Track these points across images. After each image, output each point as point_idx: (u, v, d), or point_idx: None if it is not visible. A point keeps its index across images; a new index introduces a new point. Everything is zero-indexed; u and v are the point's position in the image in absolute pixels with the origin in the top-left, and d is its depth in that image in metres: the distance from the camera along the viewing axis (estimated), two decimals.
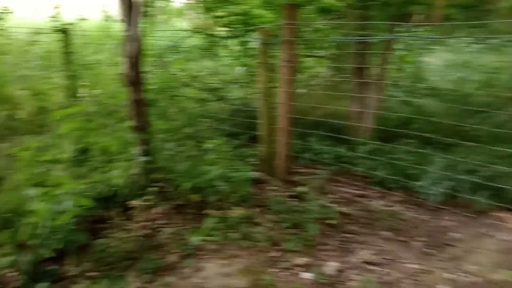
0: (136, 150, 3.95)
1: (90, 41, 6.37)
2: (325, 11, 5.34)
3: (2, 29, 5.81)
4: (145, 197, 3.64)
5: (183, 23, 9.39)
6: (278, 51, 4.52)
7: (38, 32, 6.03)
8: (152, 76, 4.88)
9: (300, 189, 3.79)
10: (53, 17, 5.70)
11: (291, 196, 3.69)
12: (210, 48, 6.05)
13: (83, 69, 5.94)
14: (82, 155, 4.43)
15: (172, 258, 3.09)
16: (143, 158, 3.82)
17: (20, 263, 3.24)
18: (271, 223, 3.29)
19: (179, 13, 9.27)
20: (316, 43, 5.36)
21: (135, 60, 4.11)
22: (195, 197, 3.58)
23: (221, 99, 5.49)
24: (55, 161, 4.30)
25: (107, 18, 6.23)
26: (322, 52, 5.56)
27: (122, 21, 4.20)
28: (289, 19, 4.16)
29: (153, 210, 3.61)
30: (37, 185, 3.80)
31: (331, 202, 3.66)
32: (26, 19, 6.30)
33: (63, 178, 3.75)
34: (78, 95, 5.91)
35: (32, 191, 3.64)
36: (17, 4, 5.97)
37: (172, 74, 5.69)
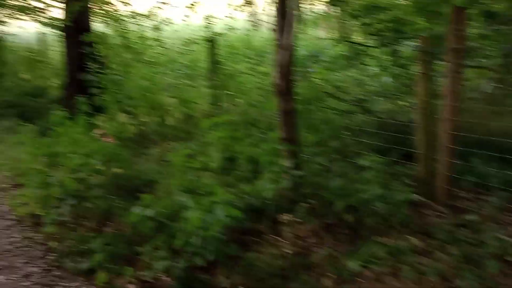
0: (285, 162, 3.84)
1: (235, 50, 6.50)
2: (491, 15, 4.77)
3: (158, 40, 6.16)
4: (294, 212, 3.50)
5: (321, 32, 9.24)
6: (437, 60, 4.12)
7: (188, 41, 6.30)
8: (296, 86, 4.76)
9: (468, 217, 3.34)
10: (204, 27, 5.90)
11: (458, 225, 3.27)
12: (354, 57, 5.77)
13: (227, 78, 6.05)
14: (229, 164, 4.46)
15: (327, 282, 2.88)
16: (293, 171, 3.69)
17: (174, 268, 3.29)
18: (438, 254, 2.92)
19: (316, 21, 9.14)
20: (480, 52, 4.81)
21: (286, 69, 4.02)
22: (349, 217, 3.34)
23: (366, 111, 5.19)
24: (204, 169, 4.38)
25: (254, 28, 6.28)
26: (485, 62, 4.99)
27: (274, 30, 4.16)
28: (456, 24, 3.75)
29: (303, 227, 3.45)
30: (188, 191, 3.88)
31: (509, 236, 3.16)
32: (179, 29, 6.61)
33: (214, 187, 3.77)
34: (222, 104, 6.03)
35: (185, 198, 3.72)
36: (172, 14, 6.31)
37: (315, 85, 5.55)
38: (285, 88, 4.00)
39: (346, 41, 5.75)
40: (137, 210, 3.58)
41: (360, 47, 5.72)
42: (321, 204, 3.52)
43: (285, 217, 3.47)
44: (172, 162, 4.37)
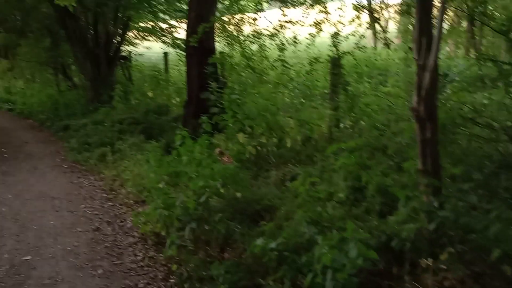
0: (425, 197, 3.40)
1: (360, 70, 6.15)
2: None
3: (280, 59, 6.02)
4: (438, 258, 3.04)
5: (449, 49, 8.52)
6: None
7: (311, 61, 6.08)
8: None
9: None
10: (329, 45, 5.64)
11: None
12: (498, 78, 5.11)
13: (350, 99, 5.70)
14: (357, 195, 4.10)
15: None
16: (436, 209, 3.23)
17: None
18: None
19: (445, 38, 8.44)
20: None
21: (428, 93, 3.58)
22: (507, 269, 2.81)
23: None
24: (329, 199, 4.07)
25: (382, 46, 5.88)
26: None
27: (413, 49, 3.77)
28: None
29: (448, 275, 2.97)
30: (313, 223, 3.60)
31: None
32: (303, 48, 6.43)
33: (345, 221, 3.45)
34: (345, 126, 5.70)
35: (311, 230, 3.44)
36: (297, 33, 6.13)
37: (452, 108, 5.01)
38: (426, 114, 3.57)
39: (490, 59, 5.11)
40: (259, 241, 3.38)
41: (508, 67, 5.06)
42: (470, 250, 3.02)
43: (427, 262, 3.03)
44: (295, 189, 4.14)
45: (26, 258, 4.02)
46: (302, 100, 6.74)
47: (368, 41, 9.48)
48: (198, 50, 6.88)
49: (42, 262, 3.97)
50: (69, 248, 4.23)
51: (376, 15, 5.89)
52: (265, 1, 7.09)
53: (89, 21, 10.33)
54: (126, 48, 11.60)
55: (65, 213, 5.14)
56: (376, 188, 3.94)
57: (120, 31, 10.65)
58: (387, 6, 6.42)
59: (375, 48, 8.92)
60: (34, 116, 11.06)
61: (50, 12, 11.31)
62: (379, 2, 6.45)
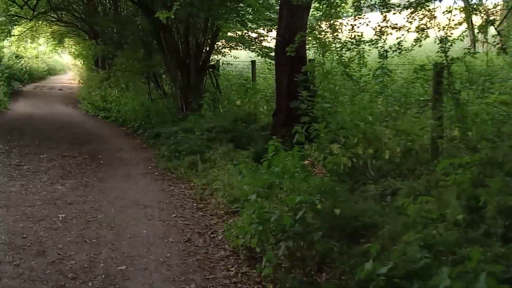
0: None
1: (468, 76, 5.60)
2: None
3: (384, 67, 5.61)
4: None
5: None
6: None
7: (415, 68, 5.64)
8: None
9: None
10: (441, 51, 5.17)
11: None
12: None
13: (457, 108, 5.18)
14: (472, 216, 3.64)
15: None
16: None
17: None
18: None
19: None
20: None
21: None
22: None
23: None
24: (441, 220, 3.65)
25: (501, 50, 5.30)
26: None
27: None
28: None
29: None
30: (427, 247, 3.22)
31: None
32: (405, 54, 5.99)
33: (462, 246, 3.04)
34: (448, 137, 5.19)
35: (425, 256, 3.07)
36: (399, 39, 5.69)
37: None
38: None
39: None
40: (368, 265, 3.05)
41: None
42: None
43: None
44: (403, 208, 3.77)
45: (121, 268, 3.99)
46: (397, 108, 6.31)
47: (467, 45, 8.75)
48: (290, 58, 6.68)
49: (135, 273, 3.92)
50: (161, 259, 4.16)
51: (489, 17, 5.28)
52: (365, 7, 6.67)
53: (181, 32, 10.56)
54: (214, 57, 11.73)
55: (157, 222, 5.11)
56: (497, 209, 3.47)
57: (209, 41, 10.79)
58: (495, 6, 5.78)
59: (483, 53, 8.15)
60: (127, 123, 11.41)
61: (144, 24, 11.75)
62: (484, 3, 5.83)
